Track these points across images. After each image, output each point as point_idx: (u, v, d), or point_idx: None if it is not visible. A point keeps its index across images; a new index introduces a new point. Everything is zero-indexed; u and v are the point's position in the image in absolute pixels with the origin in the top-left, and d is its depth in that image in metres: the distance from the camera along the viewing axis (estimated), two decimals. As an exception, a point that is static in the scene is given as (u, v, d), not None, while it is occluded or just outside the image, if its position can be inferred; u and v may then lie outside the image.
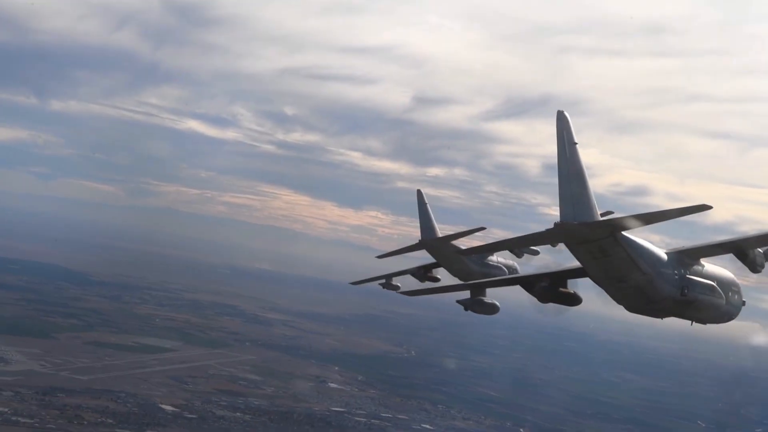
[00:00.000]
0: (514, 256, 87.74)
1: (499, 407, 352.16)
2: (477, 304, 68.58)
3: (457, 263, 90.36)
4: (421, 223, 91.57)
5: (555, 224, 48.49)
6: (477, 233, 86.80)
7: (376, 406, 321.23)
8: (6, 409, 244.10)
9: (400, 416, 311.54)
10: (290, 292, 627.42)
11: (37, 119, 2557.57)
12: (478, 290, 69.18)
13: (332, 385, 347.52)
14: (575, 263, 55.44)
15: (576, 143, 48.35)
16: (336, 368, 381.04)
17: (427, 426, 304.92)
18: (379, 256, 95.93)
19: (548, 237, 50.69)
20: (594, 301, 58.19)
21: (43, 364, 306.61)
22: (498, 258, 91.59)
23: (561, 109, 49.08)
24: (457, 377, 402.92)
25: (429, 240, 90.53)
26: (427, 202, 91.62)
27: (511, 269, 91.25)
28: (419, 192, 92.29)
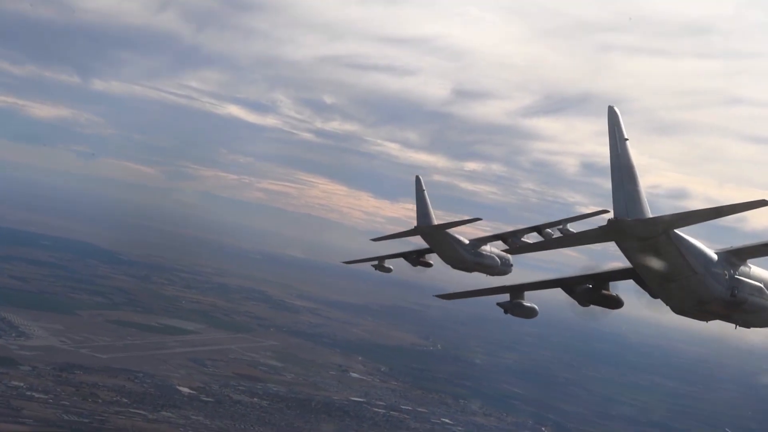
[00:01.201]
0: (507, 247, 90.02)
1: (522, 404, 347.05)
2: (516, 307, 67.15)
3: (450, 251, 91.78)
4: (417, 209, 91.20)
5: (609, 221, 47.74)
6: (472, 223, 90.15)
7: (397, 398, 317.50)
8: (22, 384, 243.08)
9: (419, 409, 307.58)
10: (320, 280, 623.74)
11: (79, 98, 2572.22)
12: (517, 292, 67.52)
13: (354, 374, 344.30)
14: (605, 264, 56.28)
15: (627, 139, 47.83)
16: (360, 358, 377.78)
17: (447, 420, 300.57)
18: (374, 239, 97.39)
19: (601, 235, 49.31)
20: (630, 303, 58.42)
21: (64, 340, 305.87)
22: (491, 248, 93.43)
23: (611, 105, 48.32)
24: (481, 373, 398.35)
25: (424, 226, 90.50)
26: (424, 188, 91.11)
27: (503, 259, 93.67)
28: (417, 178, 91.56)
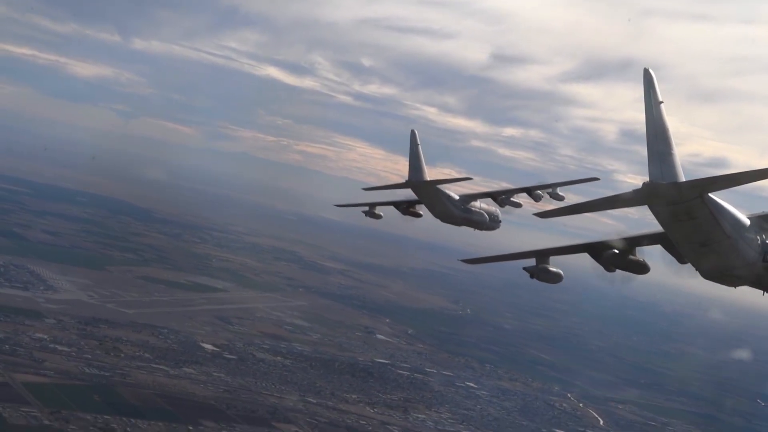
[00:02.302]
0: (497, 205, 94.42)
1: (548, 370, 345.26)
2: (542, 272, 66.52)
3: (440, 205, 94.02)
4: (410, 163, 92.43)
5: (644, 184, 47.35)
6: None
7: (422, 361, 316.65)
8: (45, 336, 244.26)
9: (444, 372, 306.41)
10: (353, 242, 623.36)
11: (120, 57, 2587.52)
12: (543, 257, 66.75)
13: (380, 336, 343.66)
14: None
15: (662, 102, 47.00)
16: (387, 320, 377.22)
17: (471, 384, 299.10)
18: (366, 189, 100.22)
19: (634, 198, 48.80)
20: (664, 271, 56.92)
21: (91, 294, 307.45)
22: (480, 204, 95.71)
23: (647, 67, 47.30)
24: (509, 338, 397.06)
25: (416, 181, 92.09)
26: (419, 143, 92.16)
27: (492, 215, 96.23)
28: (413, 132, 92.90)
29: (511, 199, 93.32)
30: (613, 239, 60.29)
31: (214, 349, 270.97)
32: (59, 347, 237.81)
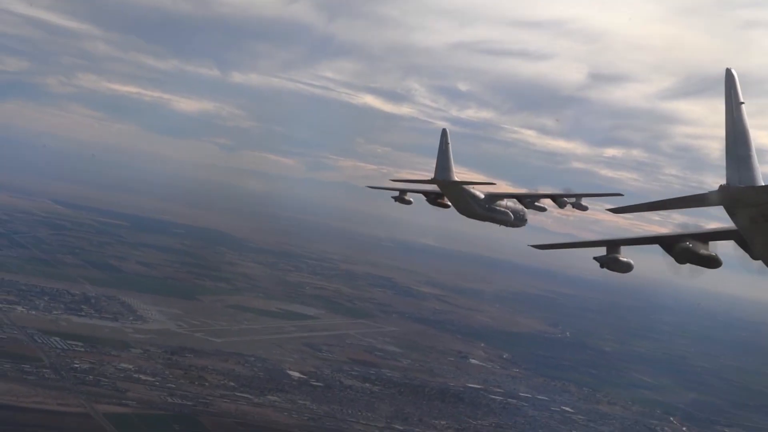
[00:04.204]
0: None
1: (650, 393, 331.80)
2: (612, 262, 67.49)
3: (464, 203, 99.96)
4: (438, 161, 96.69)
5: (720, 186, 47.29)
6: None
7: (516, 385, 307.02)
8: (131, 366, 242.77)
9: (539, 396, 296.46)
10: (451, 267, 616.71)
11: (220, 91, 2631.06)
12: (614, 247, 67.71)
13: (473, 361, 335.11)
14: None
15: (742, 102, 46.69)
16: (482, 345, 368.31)
17: (567, 408, 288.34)
18: (393, 180, 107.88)
19: (710, 199, 48.94)
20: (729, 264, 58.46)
21: (180, 324, 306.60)
22: (507, 202, 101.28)
23: (729, 68, 47.63)
24: (610, 360, 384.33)
25: (442, 180, 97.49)
26: (449, 142, 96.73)
27: (518, 214, 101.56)
28: (444, 131, 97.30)
29: (536, 203, 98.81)
30: (685, 233, 61.01)
31: (301, 376, 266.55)
32: (143, 377, 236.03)
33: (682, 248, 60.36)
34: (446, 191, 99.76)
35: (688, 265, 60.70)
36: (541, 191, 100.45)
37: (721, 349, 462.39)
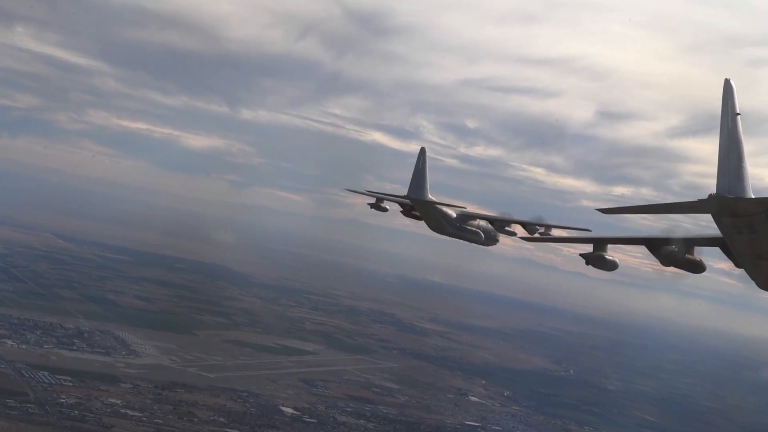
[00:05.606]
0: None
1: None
2: (598, 259, 68.18)
3: (435, 221, 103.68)
4: (414, 179, 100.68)
5: (710, 196, 48.03)
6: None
7: (515, 423, 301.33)
8: (118, 401, 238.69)
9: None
10: (455, 304, 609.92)
11: (229, 128, 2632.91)
12: (601, 244, 68.39)
13: (473, 398, 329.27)
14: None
15: (738, 114, 47.48)
16: (482, 382, 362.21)
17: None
18: (369, 192, 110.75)
19: (699, 207, 49.98)
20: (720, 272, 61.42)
21: (174, 359, 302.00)
22: (479, 222, 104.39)
23: (728, 78, 48.52)
24: (613, 399, 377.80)
25: (417, 199, 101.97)
26: (426, 161, 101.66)
27: (489, 234, 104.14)
28: (422, 150, 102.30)
29: (506, 228, 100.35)
30: (673, 236, 61.97)
31: (294, 412, 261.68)
32: (131, 412, 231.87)
33: (668, 251, 61.63)
34: (419, 208, 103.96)
35: (671, 268, 62.10)
36: (515, 217, 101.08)
37: (728, 388, 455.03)
